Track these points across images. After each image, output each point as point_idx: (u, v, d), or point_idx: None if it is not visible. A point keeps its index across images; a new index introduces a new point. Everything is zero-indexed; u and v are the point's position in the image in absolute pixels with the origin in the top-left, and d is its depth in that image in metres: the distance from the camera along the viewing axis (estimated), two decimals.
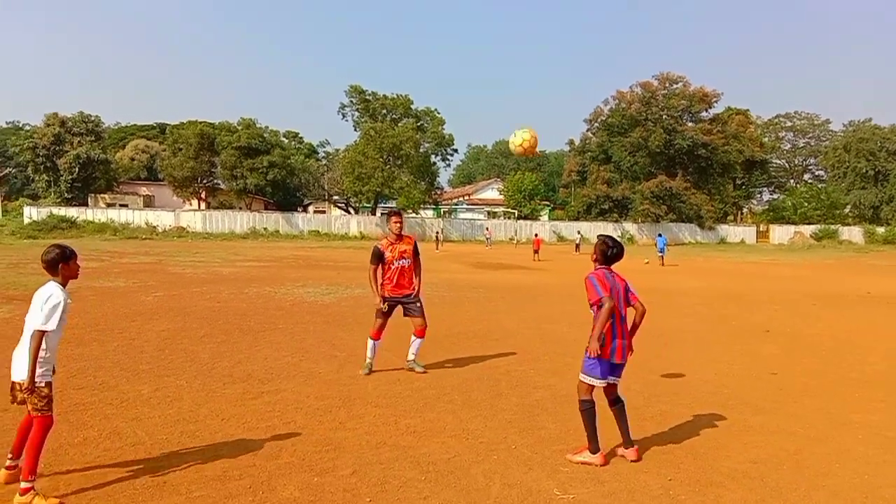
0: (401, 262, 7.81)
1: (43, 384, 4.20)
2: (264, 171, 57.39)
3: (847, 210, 72.53)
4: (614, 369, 5.15)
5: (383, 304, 7.75)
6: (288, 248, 40.69)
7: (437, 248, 42.95)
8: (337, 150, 74.32)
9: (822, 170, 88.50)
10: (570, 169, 72.21)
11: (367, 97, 63.90)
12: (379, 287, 7.80)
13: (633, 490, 4.56)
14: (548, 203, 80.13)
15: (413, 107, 63.87)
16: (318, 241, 50.53)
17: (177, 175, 59.18)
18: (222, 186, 62.91)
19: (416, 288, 7.98)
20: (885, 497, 4.58)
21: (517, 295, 16.96)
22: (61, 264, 4.37)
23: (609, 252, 5.25)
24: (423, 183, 61.77)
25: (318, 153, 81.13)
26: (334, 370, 7.93)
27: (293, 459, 4.96)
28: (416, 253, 7.99)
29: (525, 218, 66.98)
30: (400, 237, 7.87)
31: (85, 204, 56.56)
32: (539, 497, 4.42)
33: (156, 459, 4.86)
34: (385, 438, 5.50)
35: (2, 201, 66.50)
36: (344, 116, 65.78)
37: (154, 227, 51.36)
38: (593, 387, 5.10)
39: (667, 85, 63.66)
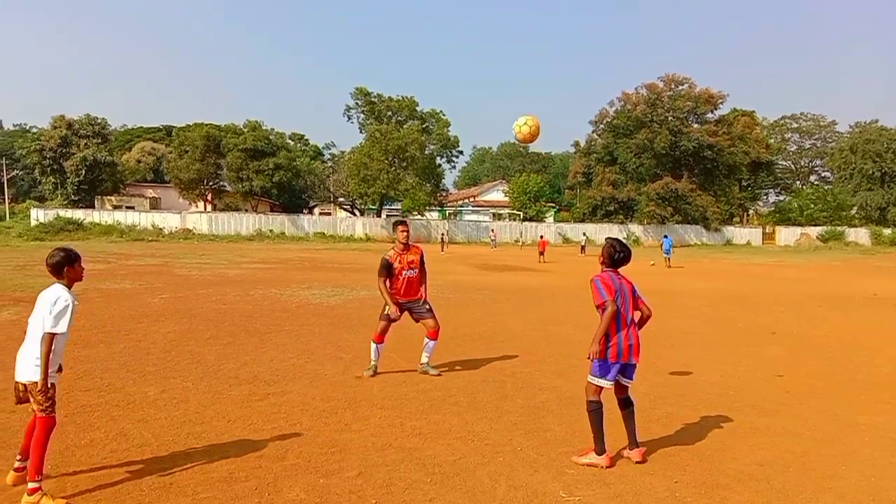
0: (408, 273, 7.84)
1: (48, 385, 4.24)
2: (270, 173, 57.48)
3: (853, 211, 72.16)
4: (624, 370, 5.15)
5: (399, 312, 7.77)
6: (293, 250, 40.74)
7: (443, 250, 42.94)
8: (342, 152, 74.33)
9: (828, 171, 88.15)
10: (575, 170, 72.15)
11: (373, 99, 63.96)
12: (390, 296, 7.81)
13: (639, 492, 4.56)
14: (553, 205, 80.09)
15: (418, 109, 63.89)
16: (323, 243, 50.57)
17: (183, 177, 59.32)
18: (228, 188, 63.04)
19: (423, 295, 8.00)
20: (893, 499, 4.56)
21: (522, 297, 16.95)
22: (66, 267, 4.42)
23: (616, 255, 5.26)
24: (428, 185, 61.79)
25: (323, 155, 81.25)
26: (340, 372, 7.94)
27: (299, 461, 4.97)
28: (422, 263, 8.03)
29: (530, 220, 66.94)
30: (407, 247, 7.90)
31: (91, 206, 56.74)
32: (545, 499, 4.41)
33: (162, 461, 4.88)
34: (391, 440, 5.51)
35: (9, 203, 66.81)
36: (349, 118, 65.86)
37: (160, 229, 51.48)
38: (602, 388, 5.10)
39: (672, 86, 63.52)
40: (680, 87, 63.51)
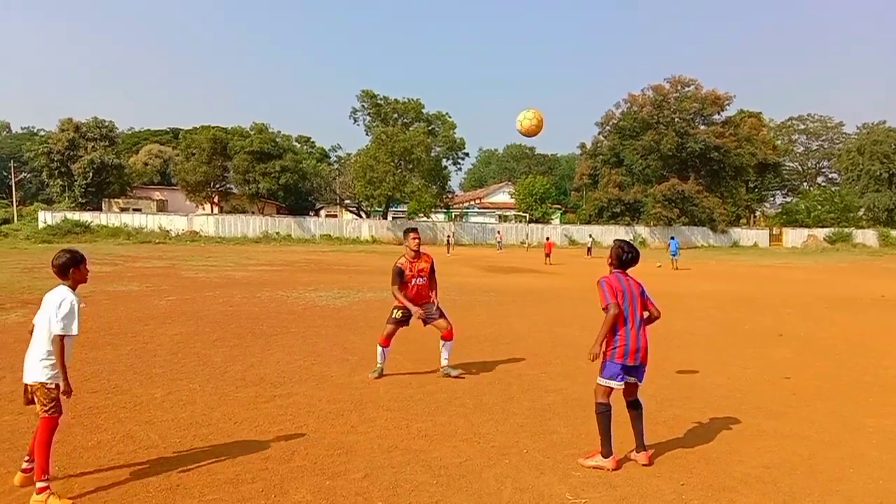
0: (418, 281, 7.86)
1: (52, 385, 4.29)
2: (276, 176, 57.59)
3: (861, 213, 71.85)
4: (632, 371, 5.15)
5: (423, 312, 7.80)
6: (300, 252, 40.82)
7: (449, 252, 42.94)
8: (348, 155, 74.49)
9: (835, 172, 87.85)
10: (581, 172, 71.99)
11: (379, 101, 64.09)
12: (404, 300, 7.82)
13: (646, 495, 4.55)
14: (559, 206, 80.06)
15: (424, 111, 63.99)
16: (329, 245, 50.67)
17: (190, 180, 59.48)
18: (235, 191, 63.20)
19: (434, 299, 8.02)
20: None
21: (528, 298, 16.94)
22: (72, 269, 4.46)
23: (624, 256, 5.27)
24: (434, 187, 61.88)
25: (329, 157, 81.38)
26: (346, 374, 7.95)
27: (305, 463, 4.98)
28: (432, 271, 8.05)
29: (536, 221, 66.94)
30: (418, 255, 7.91)
31: (99, 208, 56.99)
32: (551, 501, 4.41)
33: (169, 462, 4.89)
34: (397, 442, 5.51)
35: (17, 206, 67.12)
36: (356, 121, 66.13)
37: (167, 231, 51.64)
38: (611, 390, 5.10)
39: (678, 88, 63.39)
40: (686, 89, 63.36)
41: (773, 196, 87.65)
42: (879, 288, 21.72)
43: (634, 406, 5.27)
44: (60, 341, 4.23)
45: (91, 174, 56.42)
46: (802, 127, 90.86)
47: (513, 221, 69.37)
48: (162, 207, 63.71)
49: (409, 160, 58.48)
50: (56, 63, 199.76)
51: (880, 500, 4.56)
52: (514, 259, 38.73)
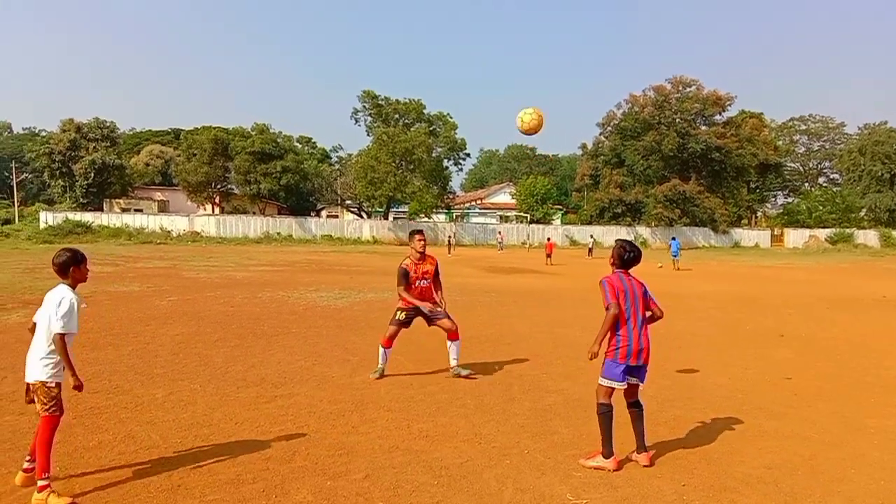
0: (422, 283, 7.87)
1: (53, 384, 4.31)
2: (278, 176, 57.61)
3: (862, 213, 71.84)
4: (634, 371, 5.15)
5: (428, 306, 7.83)
6: (301, 252, 40.83)
7: (450, 253, 42.92)
8: (350, 155, 74.46)
9: (836, 173, 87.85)
10: (582, 173, 72.00)
11: (380, 102, 64.09)
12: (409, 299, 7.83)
13: (647, 495, 4.55)
14: (560, 207, 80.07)
15: (425, 111, 63.97)
16: (330, 246, 50.68)
17: (191, 180, 59.51)
18: (236, 191, 63.21)
19: (439, 300, 8.01)
20: None
21: (529, 299, 16.94)
22: (72, 267, 4.48)
23: (626, 256, 5.28)
24: (435, 187, 61.87)
25: (331, 158, 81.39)
26: (347, 374, 7.96)
27: (306, 463, 4.98)
28: (436, 273, 8.06)
29: (537, 222, 66.95)
30: (423, 257, 7.92)
31: (100, 209, 57.02)
32: (552, 502, 4.41)
33: (170, 463, 4.90)
34: (398, 443, 5.51)
35: (18, 206, 67.20)
36: (357, 121, 66.06)
37: (168, 231, 51.64)
38: (612, 390, 5.10)
39: (680, 88, 63.38)
40: (687, 90, 63.37)
41: (775, 197, 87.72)
42: (881, 288, 21.70)
43: (635, 407, 5.27)
44: (61, 339, 4.25)
45: (92, 174, 56.45)
46: (804, 127, 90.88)
47: (514, 222, 69.37)
48: (163, 208, 63.75)
49: (411, 161, 58.47)
50: (58, 63, 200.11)
51: (882, 501, 4.55)
52: (515, 260, 38.72)
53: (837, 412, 6.76)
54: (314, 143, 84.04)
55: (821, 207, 68.82)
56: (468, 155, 66.87)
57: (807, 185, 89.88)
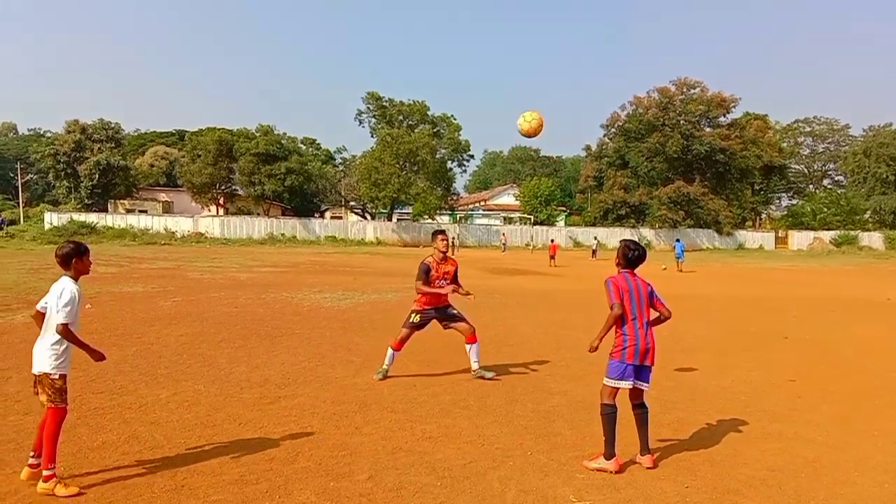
0: (442, 282, 7.89)
1: (57, 376, 4.35)
2: (282, 178, 57.64)
3: (867, 216, 71.62)
4: (639, 372, 5.14)
5: (450, 288, 7.88)
6: (305, 253, 40.87)
7: (453, 254, 42.85)
8: (354, 157, 74.46)
9: (841, 175, 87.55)
10: (586, 174, 71.96)
11: (384, 103, 64.16)
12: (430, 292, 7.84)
13: (650, 497, 4.55)
14: (564, 208, 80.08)
15: (429, 113, 64.03)
16: (334, 247, 50.71)
17: (195, 181, 59.62)
18: (240, 192, 63.30)
19: (462, 286, 8.05)
20: None
21: (533, 300, 16.93)
22: (75, 258, 4.53)
23: (630, 255, 5.28)
24: (439, 189, 61.90)
25: (335, 159, 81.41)
26: (350, 375, 7.97)
27: (310, 464, 4.99)
28: (456, 275, 8.09)
29: (541, 223, 66.92)
30: (445, 257, 7.95)
31: (105, 210, 57.23)
32: (555, 503, 4.41)
33: (174, 463, 4.91)
34: (401, 444, 5.52)
35: (23, 207, 67.41)
36: (361, 123, 66.11)
37: (173, 232, 51.69)
38: (617, 391, 5.10)
39: (684, 90, 63.33)
40: (692, 91, 63.33)
41: (779, 198, 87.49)
42: (886, 291, 21.65)
43: (640, 408, 5.26)
44: (65, 329, 4.29)
45: (97, 175, 56.67)
46: (808, 129, 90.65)
47: (517, 223, 69.37)
48: (167, 209, 63.91)
49: (415, 162, 58.52)
50: (62, 64, 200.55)
51: None
52: (519, 261, 38.72)
53: (841, 415, 6.75)
54: (318, 144, 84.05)
55: (825, 209, 68.64)
56: (472, 156, 67.02)
57: (811, 187, 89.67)
